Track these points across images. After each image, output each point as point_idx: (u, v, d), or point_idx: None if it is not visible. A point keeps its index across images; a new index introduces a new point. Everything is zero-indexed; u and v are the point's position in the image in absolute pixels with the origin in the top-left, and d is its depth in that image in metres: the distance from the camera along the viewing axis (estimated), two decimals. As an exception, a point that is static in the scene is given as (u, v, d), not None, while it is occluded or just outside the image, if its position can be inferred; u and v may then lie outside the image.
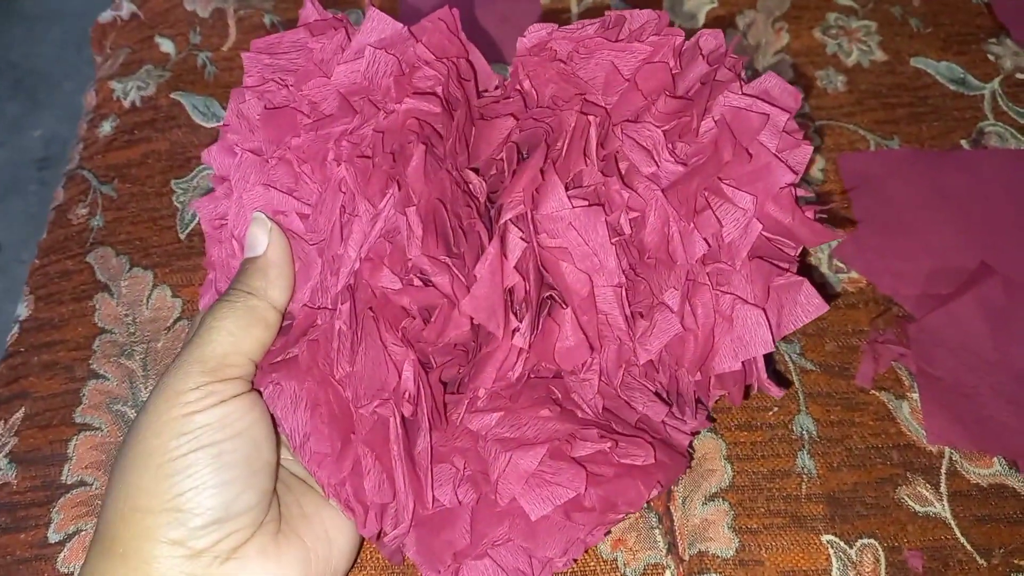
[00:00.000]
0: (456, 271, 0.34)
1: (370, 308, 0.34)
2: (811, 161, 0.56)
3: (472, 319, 0.35)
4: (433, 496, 0.34)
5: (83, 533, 0.47)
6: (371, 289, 0.35)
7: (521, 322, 0.34)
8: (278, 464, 0.33)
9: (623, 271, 0.35)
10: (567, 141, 0.37)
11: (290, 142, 0.35)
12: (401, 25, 0.38)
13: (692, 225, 0.36)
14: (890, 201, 0.55)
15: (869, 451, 0.50)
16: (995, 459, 0.49)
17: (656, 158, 0.37)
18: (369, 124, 0.36)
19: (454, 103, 0.38)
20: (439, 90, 0.37)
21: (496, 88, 0.41)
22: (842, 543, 0.48)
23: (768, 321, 0.34)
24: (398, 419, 0.33)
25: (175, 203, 0.61)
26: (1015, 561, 0.47)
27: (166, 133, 0.64)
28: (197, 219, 0.59)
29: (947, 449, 0.50)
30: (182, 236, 0.59)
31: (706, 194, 0.36)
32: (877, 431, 0.50)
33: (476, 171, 0.37)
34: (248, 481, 0.30)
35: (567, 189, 0.35)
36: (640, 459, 0.34)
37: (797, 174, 0.36)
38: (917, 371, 0.50)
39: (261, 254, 0.33)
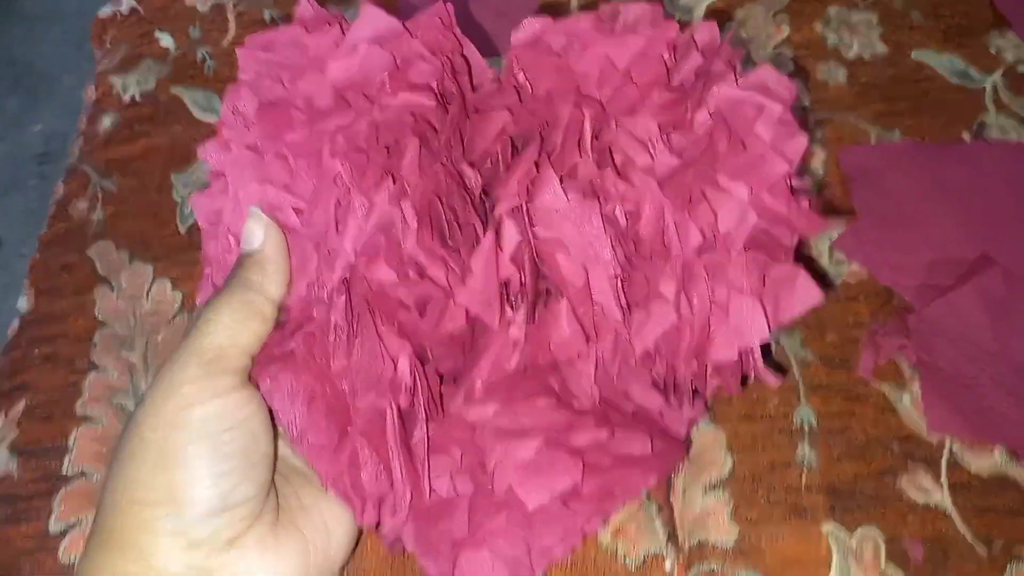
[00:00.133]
0: (452, 263, 0.35)
1: (366, 301, 0.35)
2: (810, 154, 0.56)
3: (468, 311, 0.35)
4: (430, 487, 0.34)
5: (84, 524, 0.48)
6: (367, 282, 0.35)
7: (517, 314, 0.34)
8: (276, 456, 0.33)
9: (618, 262, 0.36)
10: (562, 134, 0.38)
11: (285, 137, 0.36)
12: (396, 20, 0.39)
13: (687, 216, 0.36)
14: (890, 193, 0.55)
15: (870, 442, 0.50)
16: (996, 450, 0.49)
17: (651, 150, 0.37)
18: (364, 118, 0.37)
19: (449, 97, 0.39)
20: (434, 84, 0.38)
21: (491, 82, 0.42)
22: (842, 532, 0.48)
23: (764, 311, 0.35)
24: (395, 411, 0.34)
25: (175, 197, 0.61)
26: (1014, 551, 0.48)
27: (166, 128, 0.65)
28: (197, 214, 0.60)
29: (948, 440, 0.50)
30: (182, 230, 0.59)
31: (701, 185, 0.37)
32: (878, 422, 0.50)
33: (471, 164, 0.38)
34: (246, 473, 0.31)
35: (562, 182, 0.36)
36: (638, 448, 0.34)
37: (792, 163, 0.36)
38: (917, 361, 0.50)
39: (258, 249, 0.34)
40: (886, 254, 0.53)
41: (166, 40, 0.70)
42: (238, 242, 0.35)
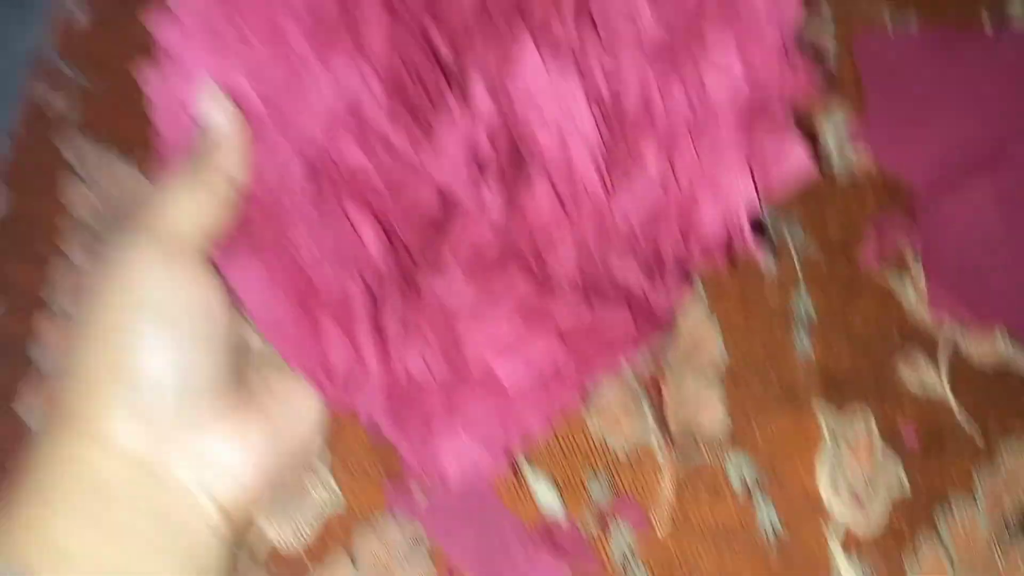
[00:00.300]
0: (422, 138, 0.33)
1: (332, 181, 0.33)
2: (819, 34, 0.53)
3: (440, 188, 0.33)
4: (405, 369, 0.33)
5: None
6: (333, 161, 0.33)
7: (491, 190, 0.33)
8: (238, 339, 0.32)
9: (600, 135, 0.34)
10: (542, 4, 0.35)
11: (239, 7, 0.33)
12: None
13: (674, 87, 0.34)
14: (904, 84, 0.52)
15: (870, 332, 0.49)
16: (998, 339, 0.48)
17: (636, 19, 0.35)
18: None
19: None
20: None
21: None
22: (835, 418, 0.48)
23: (754, 181, 0.33)
24: (364, 290, 0.32)
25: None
26: (1012, 436, 0.47)
27: (141, 20, 0.61)
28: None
29: (949, 329, 0.49)
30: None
31: (690, 56, 0.34)
32: (878, 312, 0.50)
33: (443, 35, 0.35)
34: (205, 355, 0.29)
35: (541, 54, 0.33)
36: (619, 327, 0.33)
37: (786, 28, 0.33)
38: (923, 248, 0.48)
39: (214, 128, 0.32)
40: (897, 145, 0.51)
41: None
42: (194, 122, 0.33)
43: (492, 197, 0.33)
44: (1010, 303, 0.47)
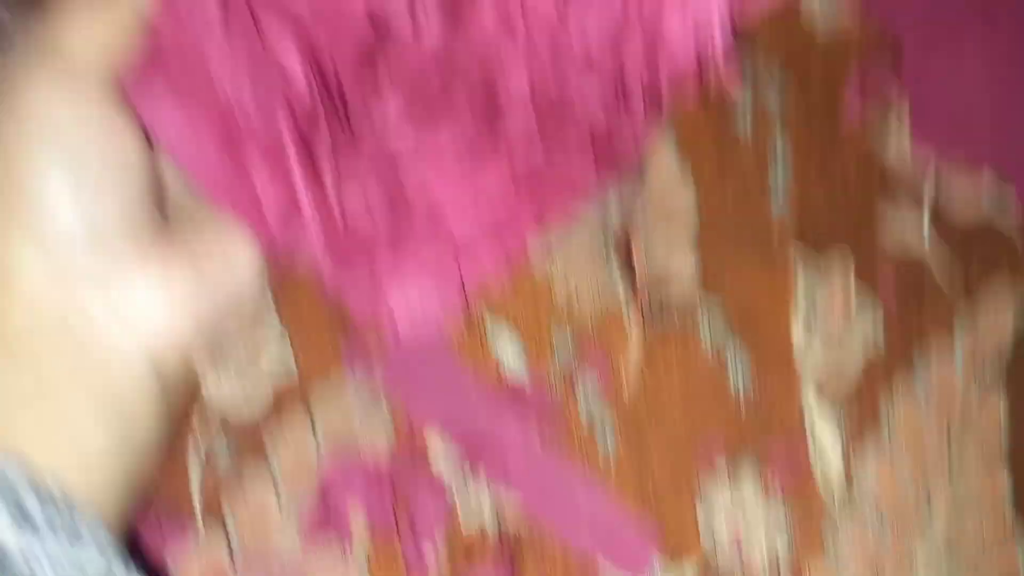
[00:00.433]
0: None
1: (250, 8, 0.29)
2: None
3: (370, 11, 0.29)
4: (343, 211, 0.30)
5: None
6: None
7: (426, 10, 0.29)
8: (157, 181, 0.29)
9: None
10: None
11: None
12: None
13: None
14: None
15: (849, 185, 0.48)
16: (983, 189, 0.47)
17: None
18: None
19: None
20: None
21: None
22: (812, 273, 0.47)
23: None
24: (293, 126, 0.29)
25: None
26: (992, 286, 0.47)
27: None
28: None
29: (932, 180, 0.48)
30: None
31: None
32: (860, 166, 0.48)
33: None
34: (114, 192, 0.27)
35: None
36: (578, 161, 0.30)
37: None
38: (909, 96, 0.46)
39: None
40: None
41: None
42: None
43: (428, 17, 0.29)
44: (997, 143, 0.45)
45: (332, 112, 0.31)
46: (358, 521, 0.42)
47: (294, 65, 0.29)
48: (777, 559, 0.45)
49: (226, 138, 0.30)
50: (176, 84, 0.30)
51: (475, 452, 0.43)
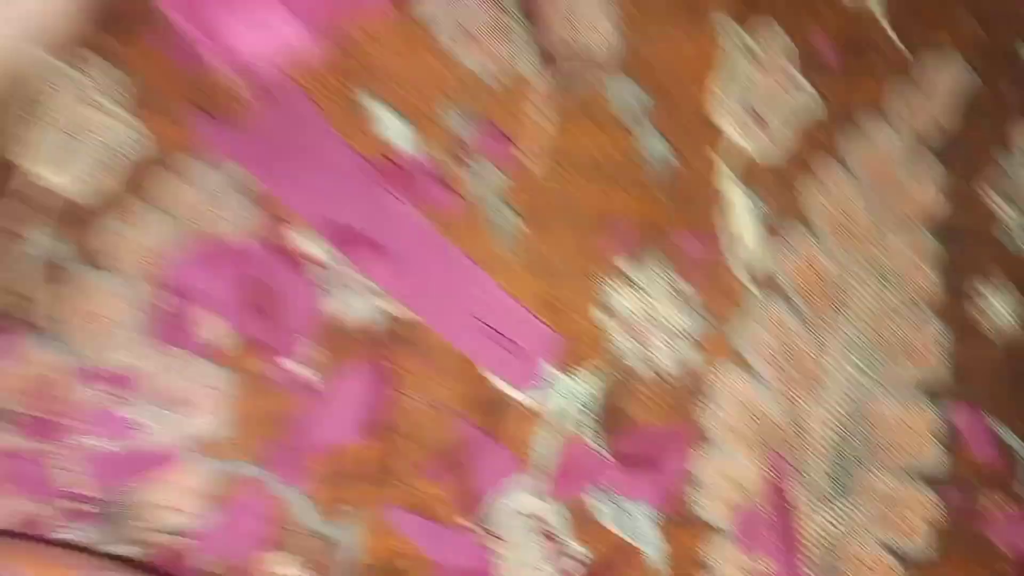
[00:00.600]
0: None
1: None
2: None
3: None
4: None
5: None
6: None
7: None
8: None
9: None
10: None
11: None
12: None
13: None
14: None
15: None
16: None
17: None
18: None
19: None
20: None
21: None
22: (738, 28, 0.42)
23: None
24: None
25: None
26: (934, 43, 0.44)
27: None
28: None
29: None
30: None
31: None
32: None
33: None
34: None
35: None
36: None
37: None
38: None
39: None
40: None
41: None
42: None
43: None
44: None
45: None
46: (215, 320, 0.38)
47: None
48: (684, 359, 0.42)
49: None
50: None
51: (350, 242, 0.39)
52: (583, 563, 0.39)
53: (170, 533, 0.36)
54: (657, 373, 0.41)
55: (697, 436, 0.42)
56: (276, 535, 0.37)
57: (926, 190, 0.44)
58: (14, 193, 0.34)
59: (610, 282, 0.41)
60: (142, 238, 0.37)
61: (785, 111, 0.43)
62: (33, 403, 0.35)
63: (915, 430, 0.43)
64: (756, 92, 0.42)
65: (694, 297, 0.42)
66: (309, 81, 0.38)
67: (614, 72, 0.41)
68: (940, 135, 0.44)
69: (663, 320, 0.41)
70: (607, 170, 0.41)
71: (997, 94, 0.45)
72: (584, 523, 0.40)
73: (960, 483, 0.43)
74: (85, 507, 0.35)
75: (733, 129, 0.42)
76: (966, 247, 0.44)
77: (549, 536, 0.39)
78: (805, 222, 0.43)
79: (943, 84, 0.44)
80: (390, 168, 0.39)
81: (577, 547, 0.40)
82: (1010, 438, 0.43)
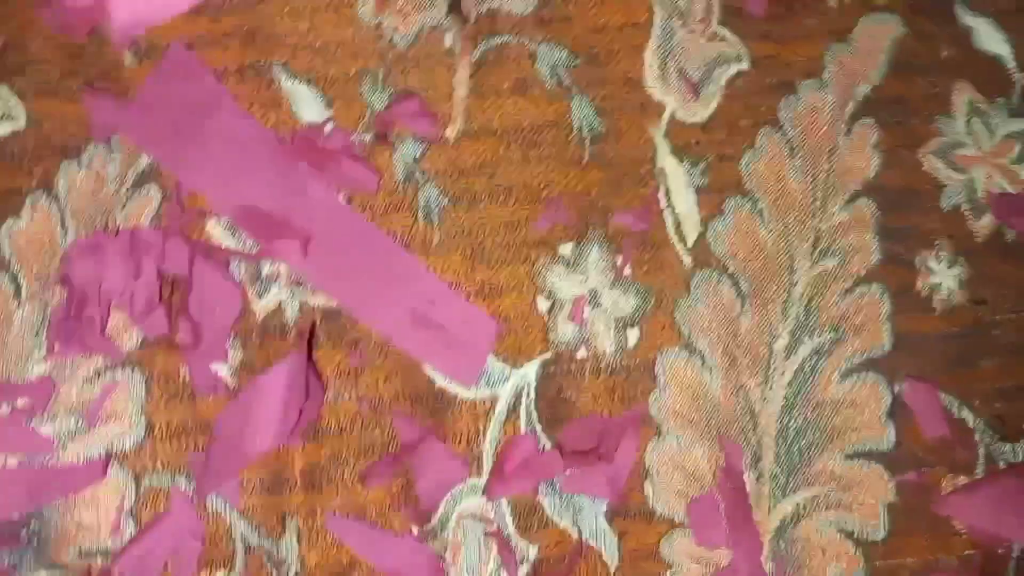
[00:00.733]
0: None
1: None
2: None
3: None
4: None
5: None
6: None
7: None
8: None
9: None
10: None
11: None
12: None
13: None
14: None
15: None
16: None
17: None
18: None
19: None
20: None
21: None
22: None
23: None
24: None
25: None
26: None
27: None
28: None
29: None
30: None
31: None
32: None
33: None
34: None
35: None
36: None
37: None
38: None
39: None
40: None
41: None
42: None
43: None
44: None
45: None
46: (123, 319, 0.39)
47: None
48: (629, 344, 0.45)
49: None
50: None
51: (265, 227, 0.40)
52: (534, 562, 0.41)
53: (96, 554, 0.36)
54: (602, 360, 0.44)
55: (646, 424, 0.44)
56: (210, 552, 0.38)
57: (864, 155, 0.46)
58: None
59: (548, 264, 0.43)
60: (36, 231, 0.38)
61: (719, 77, 0.46)
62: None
63: (866, 409, 0.46)
64: (689, 58, 0.45)
65: (636, 277, 0.44)
66: (210, 52, 0.39)
67: (539, 37, 0.43)
68: (878, 98, 0.47)
69: (605, 303, 0.44)
70: (537, 144, 0.44)
71: (936, 55, 0.47)
72: (534, 521, 0.43)
73: (913, 460, 0.46)
74: (5, 531, 0.35)
75: (667, 98, 0.45)
76: (909, 214, 0.47)
77: (498, 536, 0.40)
78: (743, 192, 0.46)
79: (879, 45, 0.47)
80: (303, 145, 0.41)
81: (527, 546, 0.41)
82: (960, 411, 0.46)
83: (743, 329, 0.46)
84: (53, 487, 0.38)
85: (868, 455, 0.47)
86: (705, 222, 0.46)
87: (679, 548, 0.45)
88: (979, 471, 0.48)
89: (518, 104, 0.43)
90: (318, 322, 0.41)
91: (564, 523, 0.43)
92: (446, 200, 0.43)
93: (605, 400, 0.44)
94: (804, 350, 0.47)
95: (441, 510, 0.42)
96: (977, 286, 0.48)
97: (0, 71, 0.38)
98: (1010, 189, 0.48)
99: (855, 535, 0.47)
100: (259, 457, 0.40)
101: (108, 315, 0.39)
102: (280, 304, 0.41)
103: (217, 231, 0.40)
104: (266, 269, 0.41)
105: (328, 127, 0.41)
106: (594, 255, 0.44)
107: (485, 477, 0.43)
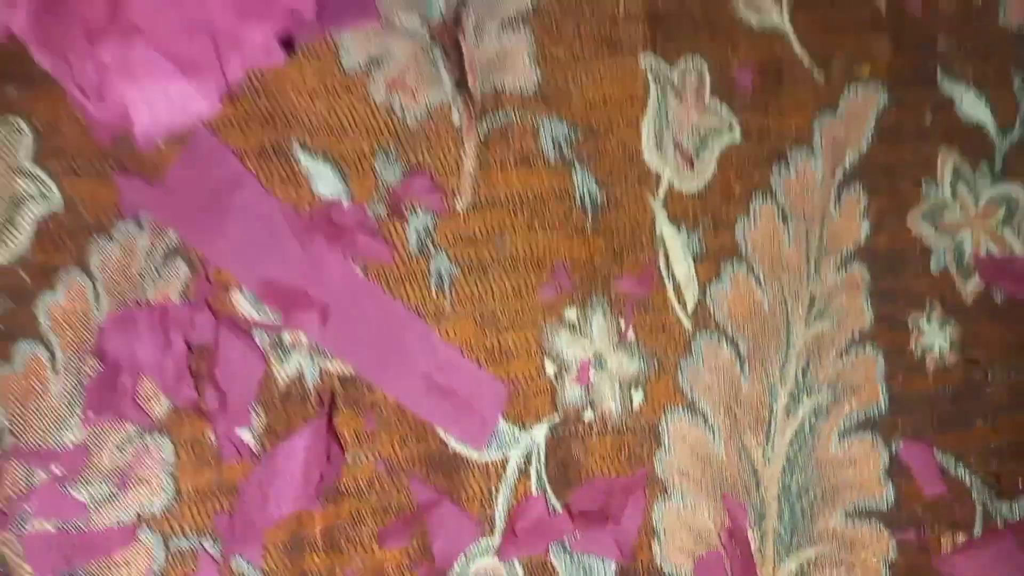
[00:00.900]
0: None
1: None
2: None
3: None
4: None
5: None
6: None
7: None
8: None
9: None
10: None
11: None
12: None
13: None
14: None
15: None
16: None
17: None
18: None
19: None
20: None
21: None
22: (662, 65, 0.50)
23: None
24: None
25: None
26: (854, 70, 0.51)
27: None
28: None
29: None
30: None
31: None
32: None
33: None
34: None
35: None
36: None
37: None
38: None
39: None
40: None
41: None
42: None
43: None
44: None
45: None
46: (152, 388, 0.44)
47: None
48: (634, 406, 0.50)
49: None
50: None
51: (286, 299, 0.45)
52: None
53: (128, 617, 0.41)
54: (608, 421, 0.49)
55: (652, 484, 0.49)
56: (235, 613, 0.42)
57: (855, 220, 0.52)
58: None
59: (554, 329, 0.48)
60: (71, 305, 0.43)
61: (712, 146, 0.50)
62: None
63: (865, 467, 0.51)
64: (683, 128, 0.50)
65: (638, 340, 0.49)
66: (232, 134, 0.44)
67: (542, 113, 0.48)
68: (866, 165, 0.52)
69: (610, 366, 0.49)
70: (541, 213, 0.49)
71: (920, 122, 0.53)
72: (545, 581, 0.46)
73: (912, 519, 0.51)
74: (38, 597, 0.39)
75: (663, 166, 0.50)
76: (899, 277, 0.52)
77: (511, 596, 0.46)
78: (739, 257, 0.51)
79: (865, 114, 0.52)
80: (321, 219, 0.46)
81: (540, 606, 0.46)
82: (956, 469, 0.52)
83: (744, 390, 0.51)
84: (87, 550, 0.44)
85: (869, 513, 0.51)
86: (704, 286, 0.50)
87: (688, 607, 0.48)
88: (977, 529, 0.52)
89: (523, 176, 0.49)
90: (337, 388, 0.46)
91: (575, 583, 0.47)
92: (456, 269, 0.48)
93: (612, 461, 0.49)
94: (803, 410, 0.51)
95: (456, 570, 0.46)
96: (969, 346, 0.53)
97: (37, 154, 0.44)
98: (996, 252, 0.54)
99: (859, 595, 0.50)
100: (281, 519, 0.44)
101: (139, 384, 0.45)
102: (300, 371, 0.46)
103: (241, 302, 0.45)
104: (287, 338, 0.46)
105: (344, 202, 0.48)
106: (598, 319, 0.49)
107: (498, 537, 0.47)
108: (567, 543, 0.47)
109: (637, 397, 0.49)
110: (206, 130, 0.42)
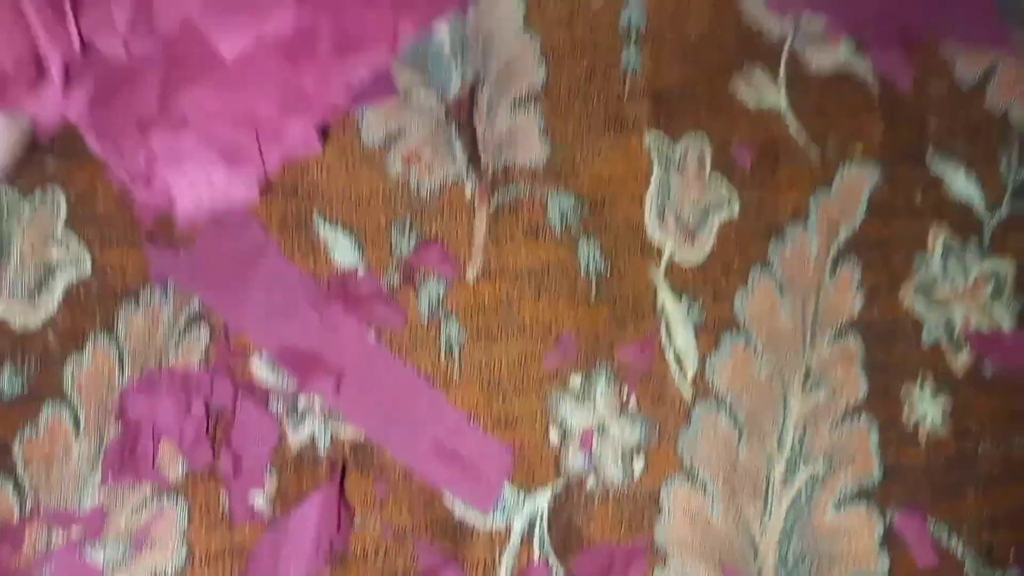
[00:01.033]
0: None
1: None
2: None
3: None
4: (81, 39, 0.34)
5: None
6: None
7: None
8: None
9: None
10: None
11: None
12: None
13: None
14: None
15: (704, 41, 0.55)
16: (841, 43, 0.56)
17: None
18: None
19: None
20: None
21: None
22: (665, 143, 0.54)
23: None
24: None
25: None
26: (848, 149, 0.56)
27: None
28: None
29: (789, 34, 0.56)
30: None
31: None
32: (714, 19, 0.55)
33: None
34: None
35: None
36: (380, 8, 0.35)
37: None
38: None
39: None
40: None
41: None
42: None
43: None
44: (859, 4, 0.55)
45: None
46: (170, 451, 0.47)
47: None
48: (635, 474, 0.53)
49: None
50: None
51: (303, 365, 0.49)
52: None
53: None
54: (610, 489, 0.52)
55: (653, 552, 0.52)
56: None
57: (849, 293, 0.56)
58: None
59: (559, 396, 0.52)
60: (95, 369, 0.46)
61: (712, 221, 0.54)
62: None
63: (860, 537, 0.54)
64: (685, 202, 0.54)
65: (640, 409, 0.53)
66: (257, 207, 0.47)
67: (549, 186, 0.53)
68: (859, 239, 0.56)
69: (613, 434, 0.52)
70: (547, 283, 0.52)
71: (911, 200, 0.57)
72: (548, 648, 0.47)
73: None
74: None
75: (665, 241, 0.54)
76: (892, 349, 0.56)
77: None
78: (737, 328, 0.54)
79: (859, 191, 0.56)
80: (338, 288, 0.49)
81: (544, 673, 0.47)
82: (949, 540, 0.56)
83: (742, 459, 0.53)
84: (103, 612, 0.47)
85: (864, 585, 0.52)
86: (703, 356, 0.54)
87: (688, 675, 0.49)
88: (970, 598, 0.56)
89: (531, 248, 0.52)
90: (347, 454, 0.49)
91: (578, 650, 0.49)
92: (465, 336, 0.52)
93: (614, 528, 0.52)
94: (799, 479, 0.54)
95: (462, 637, 0.48)
96: (960, 418, 0.56)
97: (71, 222, 0.49)
98: (985, 327, 0.57)
99: (855, 666, 0.51)
100: (293, 583, 0.48)
101: (156, 446, 0.50)
102: (313, 437, 0.49)
103: (259, 367, 0.48)
104: (302, 403, 0.49)
105: (360, 271, 0.53)
106: (601, 388, 0.52)
107: (503, 604, 0.50)
108: (571, 610, 0.49)
109: (638, 465, 0.52)
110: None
